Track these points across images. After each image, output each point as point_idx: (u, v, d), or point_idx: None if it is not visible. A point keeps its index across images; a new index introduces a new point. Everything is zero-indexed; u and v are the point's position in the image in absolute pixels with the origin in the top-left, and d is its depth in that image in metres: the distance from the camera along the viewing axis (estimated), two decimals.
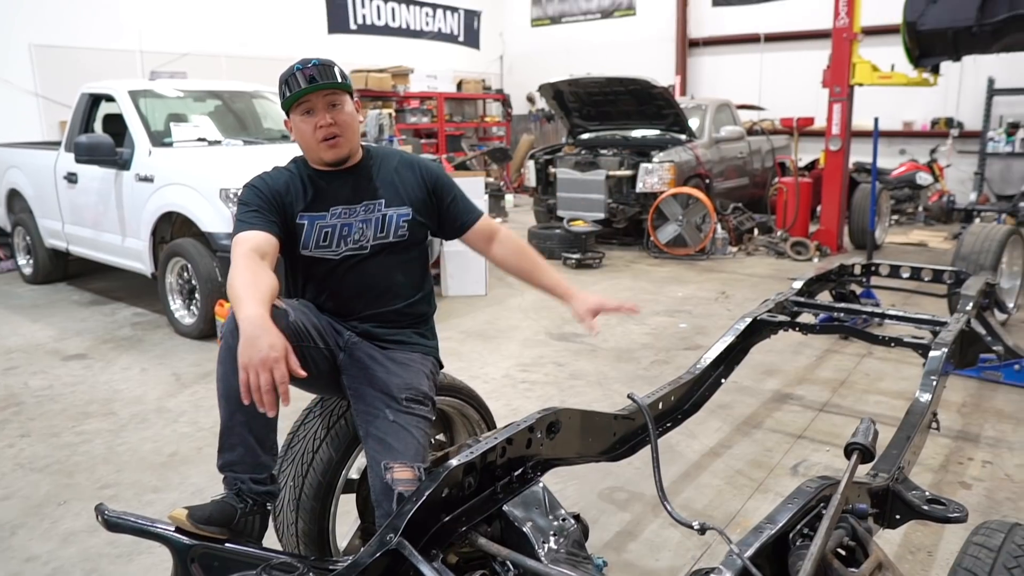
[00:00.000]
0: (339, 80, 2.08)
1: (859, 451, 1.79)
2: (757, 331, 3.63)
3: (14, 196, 7.30)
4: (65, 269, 7.25)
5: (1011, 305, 5.30)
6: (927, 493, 2.12)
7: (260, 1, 11.34)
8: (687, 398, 3.10)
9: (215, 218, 4.95)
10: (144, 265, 5.65)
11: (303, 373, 1.70)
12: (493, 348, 5.01)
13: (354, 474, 2.24)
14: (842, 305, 4.01)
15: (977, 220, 8.71)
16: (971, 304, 3.76)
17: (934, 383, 2.79)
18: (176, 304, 5.45)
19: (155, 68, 9.19)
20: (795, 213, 8.39)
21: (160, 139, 5.69)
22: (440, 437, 2.55)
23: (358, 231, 2.14)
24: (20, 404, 4.20)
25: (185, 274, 5.33)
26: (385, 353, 2.14)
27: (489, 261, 2.42)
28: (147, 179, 5.41)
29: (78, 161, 5.70)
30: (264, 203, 2.06)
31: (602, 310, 2.30)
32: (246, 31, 11.09)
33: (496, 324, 5.40)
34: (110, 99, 6.10)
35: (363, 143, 2.26)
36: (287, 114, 2.13)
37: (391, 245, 2.17)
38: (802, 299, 4.04)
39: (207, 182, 5.01)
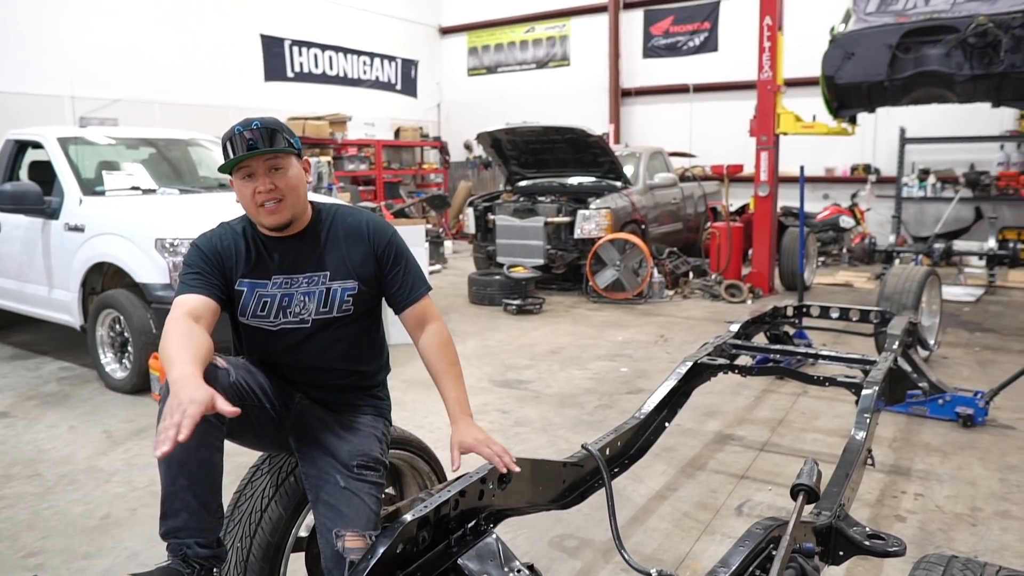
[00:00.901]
0: (282, 145, 2.01)
1: (804, 492, 1.85)
2: (698, 374, 3.70)
3: None
4: None
5: (932, 343, 5.55)
6: (867, 529, 2.20)
7: (195, 48, 11.27)
8: (633, 443, 3.14)
9: (150, 269, 4.83)
10: (73, 317, 5.45)
11: (234, 410, 1.62)
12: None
13: (304, 531, 2.19)
14: (777, 347, 4.15)
15: (897, 261, 9.14)
16: (897, 343, 3.94)
17: (868, 420, 2.89)
18: (107, 358, 5.26)
19: (85, 114, 9.00)
20: (728, 257, 8.65)
21: (92, 188, 5.54)
22: (390, 491, 2.52)
23: (299, 304, 2.06)
24: None
25: (117, 326, 5.16)
26: (335, 417, 2.09)
27: None
28: (77, 229, 5.26)
29: (2, 210, 5.51)
30: (207, 265, 2.01)
31: (474, 451, 2.02)
32: (181, 78, 10.98)
33: (397, 368, 5.32)
34: (37, 146, 5.93)
35: (314, 202, 2.19)
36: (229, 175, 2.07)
37: (335, 320, 2.08)
38: (739, 341, 4.15)
39: (142, 232, 4.89)
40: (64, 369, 5.80)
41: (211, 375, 1.78)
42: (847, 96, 7.43)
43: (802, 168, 6.15)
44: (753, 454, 3.91)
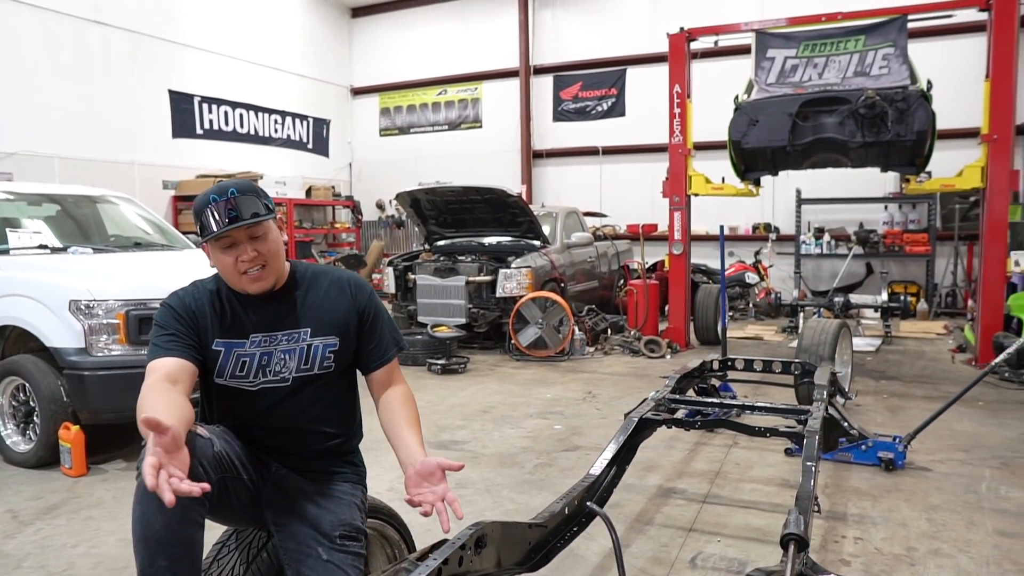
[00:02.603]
0: (263, 212, 1.96)
1: (795, 541, 1.89)
2: (641, 430, 3.76)
3: None
4: None
5: (848, 391, 5.84)
6: (833, 575, 2.26)
7: (100, 102, 10.86)
8: (589, 499, 3.14)
9: (63, 333, 4.53)
10: None
11: (203, 486, 1.50)
12: (373, 460, 4.76)
13: None
14: (715, 400, 4.27)
15: (801, 315, 9.64)
16: (825, 392, 4.13)
17: (813, 469, 3.00)
18: (8, 429, 4.86)
19: None
20: (646, 313, 8.89)
21: None
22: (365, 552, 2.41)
23: (279, 361, 1.99)
24: None
25: (21, 395, 4.79)
26: (313, 486, 2.00)
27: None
28: None
29: None
30: (181, 325, 1.93)
31: (425, 480, 1.96)
32: (84, 132, 10.53)
33: (371, 435, 5.19)
34: None
35: (289, 260, 2.14)
36: (198, 240, 1.99)
37: (315, 378, 2.03)
38: (678, 396, 4.25)
39: (55, 293, 4.60)
40: None
41: (193, 444, 1.68)
42: (753, 160, 7.88)
43: (722, 228, 6.45)
44: (696, 506, 3.97)
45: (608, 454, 3.37)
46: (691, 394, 4.90)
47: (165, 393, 1.73)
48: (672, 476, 4.47)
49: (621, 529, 3.69)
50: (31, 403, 4.72)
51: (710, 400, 4.33)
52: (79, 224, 6.19)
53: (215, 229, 1.89)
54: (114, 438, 4.96)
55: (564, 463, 4.73)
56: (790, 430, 3.55)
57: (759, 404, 4.04)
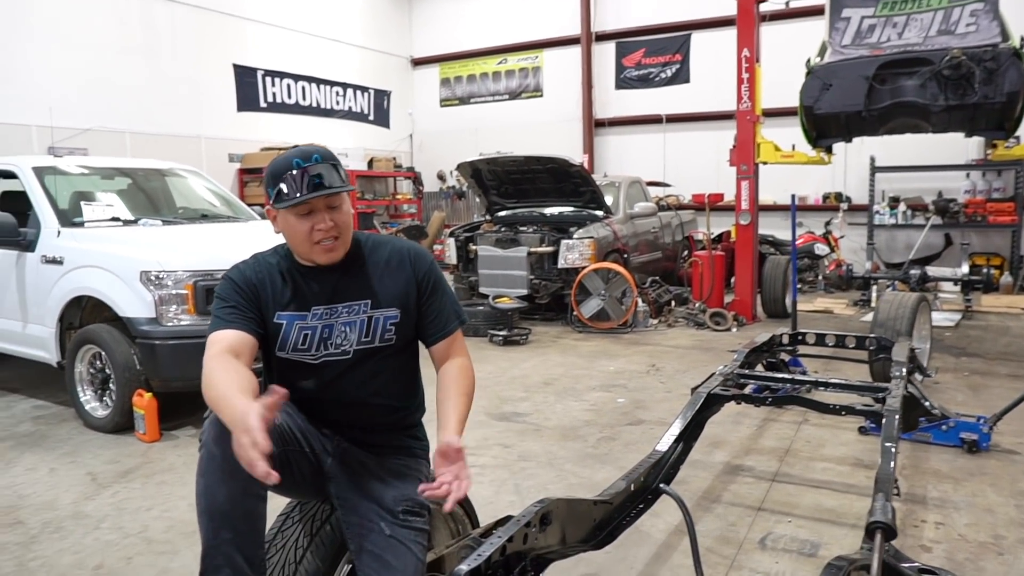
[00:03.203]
0: (343, 181, 1.90)
1: (882, 530, 1.78)
2: (709, 405, 3.66)
3: None
4: None
5: (927, 367, 5.58)
6: (918, 564, 2.14)
7: (167, 78, 11.09)
8: (655, 476, 3.06)
9: (135, 303, 4.65)
10: (49, 354, 5.23)
11: (273, 475, 1.47)
12: (433, 432, 4.85)
13: None
14: (786, 376, 4.12)
15: (874, 287, 9.27)
16: (904, 369, 3.94)
17: (893, 450, 2.85)
18: (87, 395, 5.04)
19: (54, 144, 8.76)
20: (711, 285, 8.68)
21: (69, 219, 5.35)
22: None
23: (340, 334, 1.95)
24: None
25: (98, 363, 4.94)
26: (377, 460, 1.96)
27: None
28: (55, 261, 5.06)
29: None
30: (242, 298, 1.90)
31: (438, 465, 1.78)
32: (153, 107, 10.78)
33: (433, 407, 5.19)
34: (9, 175, 5.72)
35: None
36: (273, 205, 1.93)
37: (376, 351, 1.99)
38: (747, 371, 4.12)
39: (126, 264, 4.71)
40: (38, 408, 5.54)
41: None
42: (825, 126, 7.55)
43: (793, 197, 6.21)
44: (766, 485, 3.85)
45: (675, 430, 3.28)
46: (760, 369, 4.76)
47: (230, 364, 1.71)
48: (739, 453, 4.35)
49: (688, 507, 3.59)
50: (107, 371, 4.87)
51: (780, 375, 4.18)
52: (149, 197, 6.33)
53: (298, 195, 1.84)
54: (185, 405, 5.08)
55: (628, 437, 4.65)
56: (867, 408, 3.40)
57: (833, 380, 3.89)
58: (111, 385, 4.85)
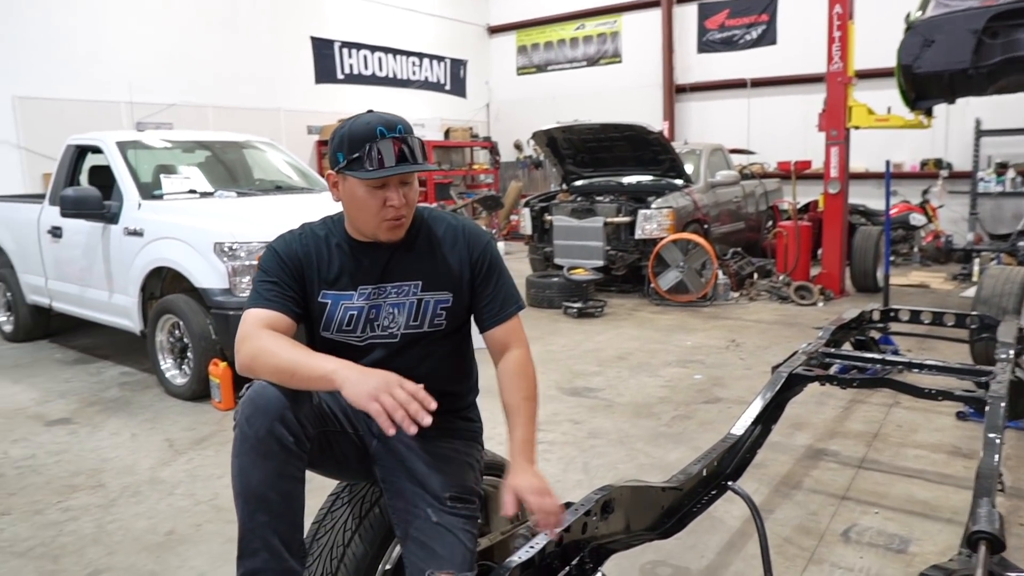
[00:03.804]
0: (424, 157, 1.77)
1: (988, 541, 1.58)
2: (791, 386, 3.43)
3: None
4: (47, 326, 6.95)
5: None
6: None
7: (247, 52, 11.28)
8: (729, 462, 2.89)
9: (209, 274, 4.72)
10: (132, 322, 5.39)
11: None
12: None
13: (390, 565, 1.99)
14: (876, 356, 3.84)
15: (976, 261, 8.68)
16: (1012, 351, 3.60)
17: (997, 441, 2.59)
18: (167, 363, 5.18)
19: (141, 119, 9.03)
20: (796, 257, 8.28)
21: (150, 191, 5.48)
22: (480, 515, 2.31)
23: (387, 316, 1.84)
24: (0, 477, 3.90)
25: (177, 332, 5.07)
26: (424, 443, 1.85)
27: None
28: (136, 233, 5.19)
29: (63, 215, 5.46)
30: (285, 274, 1.80)
31: (523, 501, 1.73)
32: (233, 81, 11.00)
33: (491, 382, 5.08)
34: (96, 151, 5.90)
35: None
36: (341, 171, 1.78)
37: (424, 336, 1.87)
38: (832, 350, 3.86)
39: (201, 236, 4.78)
40: (125, 374, 5.75)
41: (292, 395, 1.59)
42: (926, 86, 7.01)
43: (887, 164, 5.80)
44: (851, 472, 3.61)
45: (752, 412, 3.08)
46: (847, 347, 4.47)
47: (276, 334, 1.67)
48: (823, 436, 4.11)
49: (765, 492, 3.42)
50: (185, 340, 4.98)
51: (870, 355, 3.89)
52: (227, 168, 6.44)
53: (384, 166, 1.70)
54: None
55: (704, 416, 4.47)
56: (968, 394, 3.11)
57: (928, 362, 3.58)
58: (189, 354, 4.97)
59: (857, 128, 7.84)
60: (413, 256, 1.88)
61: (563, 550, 1.84)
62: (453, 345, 1.95)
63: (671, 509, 2.46)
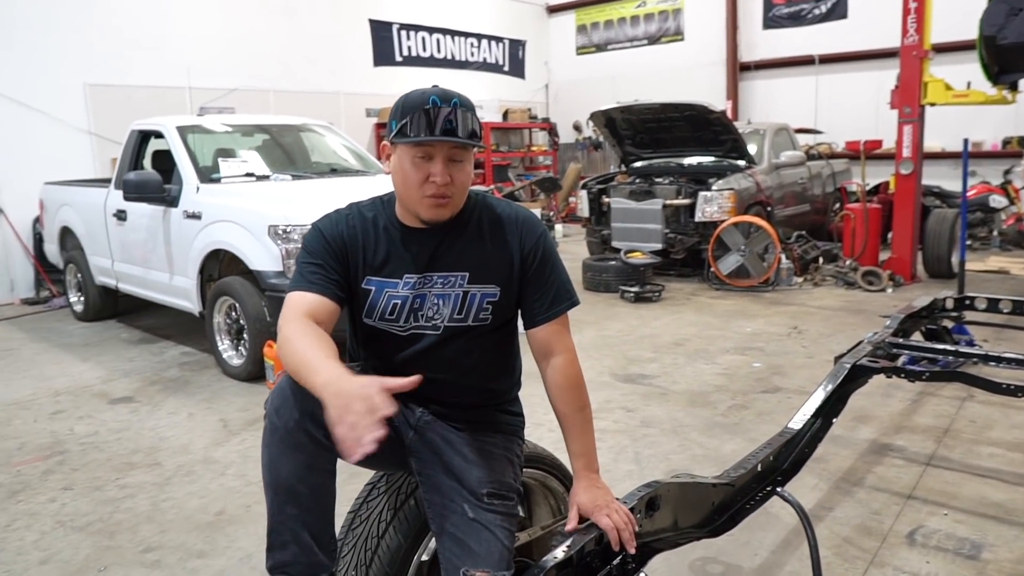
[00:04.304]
0: (476, 136, 1.68)
1: None
2: (854, 378, 3.27)
3: (66, 233, 7.28)
4: (115, 306, 7.18)
5: None
6: None
7: (307, 36, 11.37)
8: (786, 456, 2.76)
9: (263, 256, 4.77)
10: (192, 304, 5.50)
11: (414, 380, 1.41)
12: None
13: (427, 555, 1.94)
14: (949, 347, 3.62)
15: None
16: None
17: None
18: (224, 344, 5.27)
19: (204, 104, 9.19)
20: (864, 241, 7.95)
21: (208, 175, 5.56)
22: (519, 511, 2.25)
23: (432, 307, 1.77)
24: (65, 452, 4.02)
25: (233, 313, 5.14)
26: (462, 436, 1.79)
27: None
28: (195, 216, 5.27)
29: (127, 198, 5.60)
30: (329, 256, 1.74)
31: (591, 517, 1.73)
32: (293, 65, 11.10)
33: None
34: (158, 135, 6.02)
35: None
36: (392, 139, 1.72)
37: (468, 329, 1.79)
38: (900, 340, 3.66)
39: (255, 219, 4.83)
40: (185, 354, 5.89)
41: None
42: (1011, 59, 6.61)
43: (965, 142, 5.47)
44: (918, 469, 3.43)
45: (813, 404, 2.93)
46: (917, 337, 4.24)
47: (310, 329, 1.59)
48: (888, 430, 3.91)
49: (824, 489, 3.27)
50: (241, 321, 5.05)
51: (942, 346, 3.67)
52: (285, 152, 6.50)
53: (422, 135, 1.63)
54: None
55: (761, 406, 4.31)
56: None
57: (1007, 355, 3.35)
58: (245, 335, 5.03)
59: (933, 105, 7.44)
60: (462, 243, 1.80)
61: (603, 549, 1.76)
62: (498, 340, 1.87)
63: (722, 506, 2.36)
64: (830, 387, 3.04)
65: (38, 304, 8.20)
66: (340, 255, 1.76)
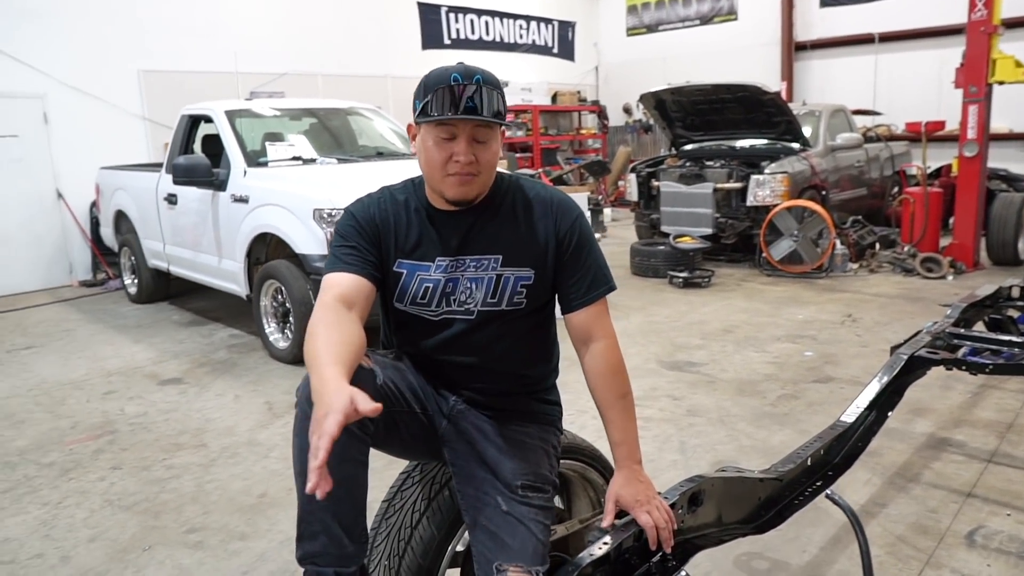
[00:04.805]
0: (500, 114, 1.63)
1: None
2: (911, 370, 3.12)
3: (121, 217, 7.45)
4: (167, 289, 7.33)
5: None
6: None
7: (354, 20, 11.41)
8: (837, 450, 2.65)
9: (309, 239, 4.79)
10: (239, 287, 5.57)
11: (375, 407, 1.27)
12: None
13: (461, 546, 1.90)
14: (1016, 339, 3.43)
15: None
16: None
17: None
18: (270, 327, 5.33)
19: (254, 88, 9.27)
20: (924, 226, 7.65)
21: (255, 159, 5.60)
22: (557, 503, 2.19)
23: (464, 291, 1.72)
24: (115, 432, 4.11)
25: (279, 296, 5.19)
26: (497, 426, 1.75)
27: None
28: (242, 200, 5.32)
29: (176, 182, 5.68)
30: (362, 238, 1.71)
31: (630, 512, 1.66)
32: (341, 49, 11.15)
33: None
34: (208, 120, 6.09)
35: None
36: (416, 119, 1.68)
37: (503, 314, 1.74)
38: (961, 330, 3.49)
39: (300, 203, 4.85)
40: (233, 337, 5.97)
41: (354, 379, 1.49)
42: None
43: None
44: (979, 466, 3.27)
45: (867, 396, 2.81)
46: (980, 328, 4.04)
47: (337, 319, 1.55)
48: (947, 424, 3.75)
49: (877, 484, 3.14)
50: (287, 304, 5.09)
51: (1006, 338, 3.49)
52: (332, 135, 6.52)
53: (438, 113, 1.59)
54: None
55: (812, 396, 4.18)
56: None
57: None
58: (290, 318, 5.07)
59: (1001, 83, 7.10)
60: (495, 226, 1.75)
61: (643, 546, 1.70)
62: (534, 325, 1.82)
63: (769, 501, 2.27)
64: (885, 379, 2.91)
65: (95, 286, 8.43)
66: (373, 238, 1.73)
